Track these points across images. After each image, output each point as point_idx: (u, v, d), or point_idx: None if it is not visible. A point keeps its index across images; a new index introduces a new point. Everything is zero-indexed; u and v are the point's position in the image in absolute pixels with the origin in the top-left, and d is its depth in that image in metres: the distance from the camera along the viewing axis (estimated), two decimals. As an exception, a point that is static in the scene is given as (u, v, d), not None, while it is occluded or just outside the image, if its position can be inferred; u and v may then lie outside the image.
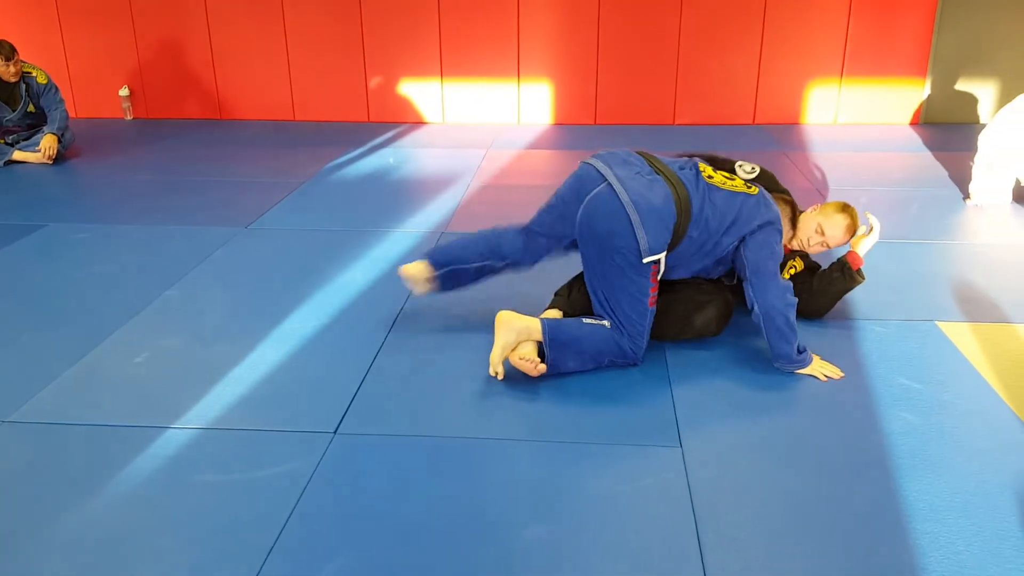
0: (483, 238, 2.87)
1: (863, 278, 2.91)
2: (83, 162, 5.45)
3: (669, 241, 2.54)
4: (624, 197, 2.51)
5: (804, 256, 3.04)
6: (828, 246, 2.96)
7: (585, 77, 6.40)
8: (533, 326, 2.59)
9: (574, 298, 2.90)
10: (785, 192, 2.98)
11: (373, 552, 1.88)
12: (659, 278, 2.62)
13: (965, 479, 2.12)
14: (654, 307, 2.63)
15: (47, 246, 3.86)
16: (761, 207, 2.68)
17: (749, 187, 2.71)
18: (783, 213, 2.91)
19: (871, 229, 2.93)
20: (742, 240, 2.65)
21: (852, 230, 2.94)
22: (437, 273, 2.84)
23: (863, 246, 2.91)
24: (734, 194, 2.65)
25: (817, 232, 2.93)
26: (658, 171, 2.63)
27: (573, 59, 6.36)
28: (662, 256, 2.54)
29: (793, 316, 2.63)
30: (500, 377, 2.60)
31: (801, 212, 3.01)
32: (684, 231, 2.56)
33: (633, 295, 2.57)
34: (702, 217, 2.59)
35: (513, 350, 2.60)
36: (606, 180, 2.58)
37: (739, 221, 2.63)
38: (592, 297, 2.70)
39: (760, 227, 2.63)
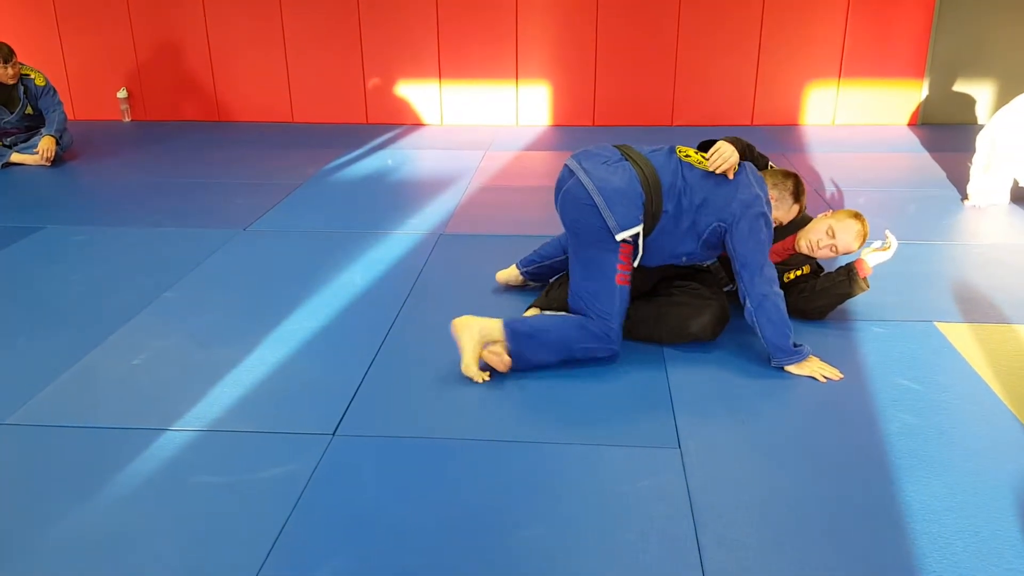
0: (556, 238, 3.21)
1: (867, 286, 2.91)
2: (81, 164, 5.45)
3: (641, 216, 2.62)
4: (588, 185, 2.64)
5: (814, 262, 3.03)
6: (836, 251, 2.95)
7: (583, 78, 6.40)
8: (492, 324, 2.63)
9: (552, 295, 2.99)
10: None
11: (371, 554, 1.88)
12: (639, 261, 2.70)
13: (963, 479, 2.12)
14: (623, 287, 2.66)
15: (45, 248, 3.86)
16: (740, 187, 2.67)
17: (700, 158, 2.73)
18: (784, 188, 2.90)
19: (887, 246, 2.91)
20: (728, 229, 2.66)
21: (862, 238, 2.93)
22: (524, 270, 3.26)
23: (873, 257, 2.89)
24: (709, 174, 2.68)
25: (828, 235, 2.91)
26: (627, 157, 2.71)
27: (571, 60, 6.36)
28: (635, 231, 2.62)
29: (783, 305, 2.65)
30: (485, 379, 2.61)
31: (804, 191, 3.00)
32: (659, 206, 2.65)
33: (601, 270, 2.65)
34: (674, 190, 2.67)
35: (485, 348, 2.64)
36: (574, 175, 2.70)
37: (713, 199, 2.66)
38: (569, 288, 2.77)
39: (743, 213, 2.63)
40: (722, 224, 2.66)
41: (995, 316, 3.06)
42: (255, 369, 2.71)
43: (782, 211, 2.93)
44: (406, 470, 2.18)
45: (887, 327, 2.97)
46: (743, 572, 1.82)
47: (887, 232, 2.97)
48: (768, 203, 2.70)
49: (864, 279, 2.89)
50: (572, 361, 2.68)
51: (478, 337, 2.62)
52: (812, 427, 2.38)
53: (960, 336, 2.90)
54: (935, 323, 2.99)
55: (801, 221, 3.01)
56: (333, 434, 2.34)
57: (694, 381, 2.63)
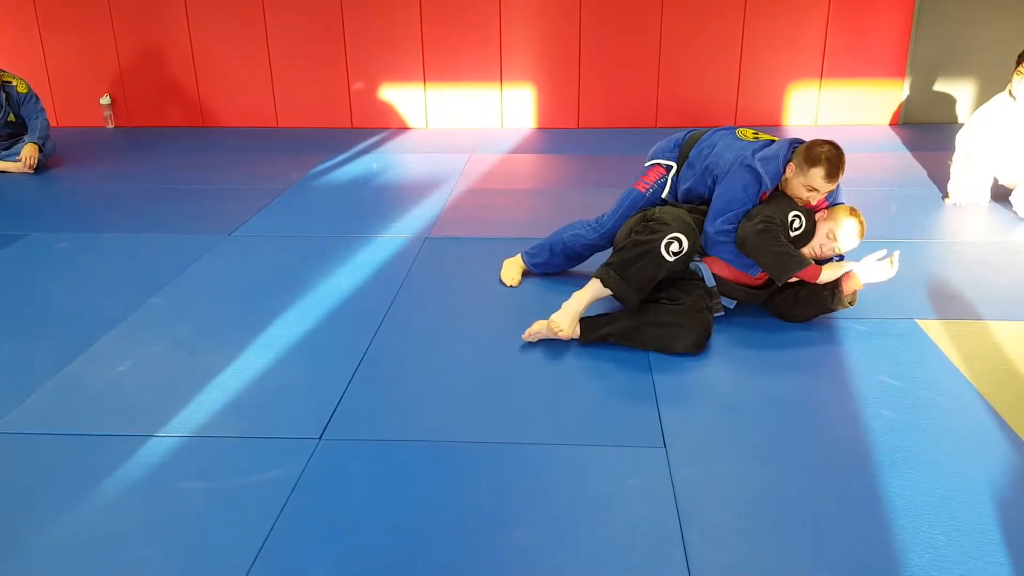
0: (553, 244, 3.48)
1: (851, 304, 2.93)
2: (64, 171, 5.42)
3: (672, 158, 3.21)
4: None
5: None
6: (840, 250, 2.97)
7: (568, 81, 6.42)
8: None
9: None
10: None
11: (359, 558, 1.89)
12: (668, 192, 3.19)
13: (944, 474, 2.15)
14: (638, 191, 3.21)
15: (29, 256, 3.84)
16: (749, 149, 2.94)
17: (756, 135, 3.07)
18: (799, 154, 2.86)
19: (891, 260, 2.86)
20: (719, 176, 2.99)
21: (862, 232, 2.94)
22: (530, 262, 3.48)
23: (868, 274, 2.88)
24: (738, 139, 3.03)
25: (829, 238, 2.93)
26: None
27: (555, 63, 6.38)
28: (660, 162, 3.24)
29: (727, 238, 2.90)
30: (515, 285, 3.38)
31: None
32: (689, 149, 3.18)
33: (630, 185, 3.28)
34: (704, 143, 3.12)
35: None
36: None
37: (722, 151, 3.00)
38: None
39: (736, 165, 2.93)
40: (717, 173, 2.99)
41: (976, 313, 3.10)
42: (241, 374, 2.71)
43: (800, 177, 2.87)
44: (393, 473, 2.19)
45: (869, 324, 2.99)
46: (729, 569, 1.84)
47: (895, 254, 2.89)
48: (757, 170, 2.89)
49: (851, 295, 2.90)
50: (572, 256, 3.35)
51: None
52: (796, 424, 2.40)
53: (941, 333, 2.93)
54: (916, 320, 3.02)
55: (807, 234, 2.97)
56: (320, 438, 2.34)
57: (679, 381, 2.65)
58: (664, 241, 2.76)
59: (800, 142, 2.95)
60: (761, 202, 2.94)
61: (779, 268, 2.83)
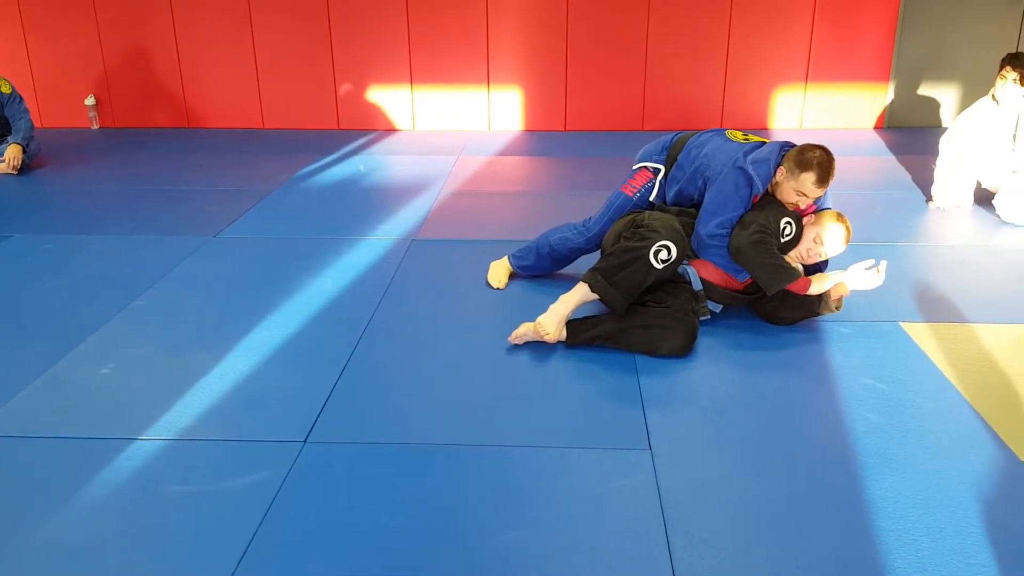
0: (540, 246, 3.48)
1: (837, 308, 2.94)
2: (49, 172, 5.39)
3: (660, 161, 3.20)
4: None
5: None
6: (827, 255, 2.96)
7: (555, 84, 6.43)
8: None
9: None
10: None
11: (344, 561, 1.88)
12: (656, 195, 3.19)
13: (928, 477, 2.16)
14: (626, 194, 3.21)
15: (13, 257, 3.81)
16: (740, 151, 2.95)
17: (746, 137, 3.08)
18: (790, 159, 2.86)
19: (878, 269, 2.87)
20: (710, 179, 2.98)
21: (848, 239, 2.94)
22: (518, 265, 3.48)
23: (856, 281, 2.88)
24: (728, 141, 3.04)
25: (816, 242, 2.92)
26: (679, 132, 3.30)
27: (542, 66, 6.39)
28: (647, 165, 3.23)
29: (719, 243, 2.89)
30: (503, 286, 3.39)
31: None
32: (677, 152, 3.17)
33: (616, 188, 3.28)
34: (693, 144, 3.13)
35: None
36: None
37: (712, 152, 3.01)
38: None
39: (728, 167, 2.92)
40: (708, 175, 2.99)
41: (959, 316, 3.12)
42: (226, 377, 2.70)
43: (790, 182, 2.87)
44: (378, 476, 2.19)
45: (853, 327, 3.01)
46: (713, 571, 1.84)
47: (882, 263, 2.91)
48: (749, 173, 2.88)
49: (837, 300, 2.91)
50: (559, 259, 3.35)
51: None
52: (780, 427, 2.42)
53: (925, 336, 2.95)
54: (900, 323, 3.04)
55: (796, 239, 2.97)
56: (305, 441, 2.34)
57: (665, 383, 2.65)
58: (653, 249, 2.77)
59: (791, 145, 2.95)
60: (753, 207, 2.94)
61: (771, 280, 2.83)
